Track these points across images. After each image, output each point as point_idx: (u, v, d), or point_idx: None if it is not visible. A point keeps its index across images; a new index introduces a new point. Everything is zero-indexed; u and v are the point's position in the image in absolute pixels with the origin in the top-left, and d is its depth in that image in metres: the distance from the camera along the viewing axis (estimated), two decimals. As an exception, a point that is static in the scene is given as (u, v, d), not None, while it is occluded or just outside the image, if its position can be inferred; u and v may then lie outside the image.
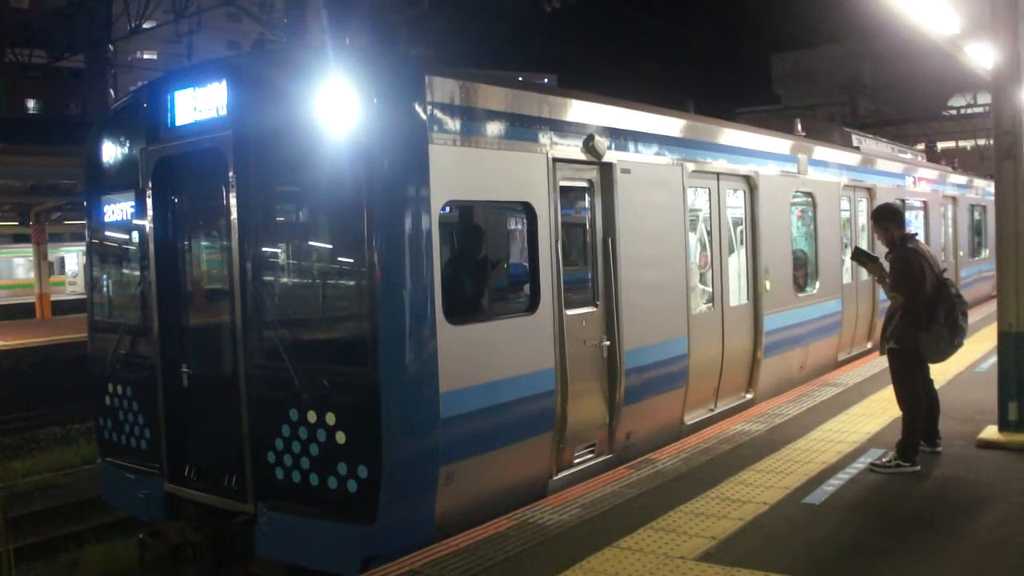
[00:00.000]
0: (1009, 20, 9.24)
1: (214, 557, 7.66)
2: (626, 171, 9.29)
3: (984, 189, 25.61)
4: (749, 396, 11.87)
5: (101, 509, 12.29)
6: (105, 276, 9.68)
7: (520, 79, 10.29)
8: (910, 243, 8.55)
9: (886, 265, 8.67)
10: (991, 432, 9.14)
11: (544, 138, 8.31)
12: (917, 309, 8.23)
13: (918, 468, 8.24)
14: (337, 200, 7.22)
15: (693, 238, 11.00)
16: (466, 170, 7.50)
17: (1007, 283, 9.18)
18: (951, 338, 8.28)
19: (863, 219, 15.95)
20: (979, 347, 14.35)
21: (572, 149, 8.65)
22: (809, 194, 13.97)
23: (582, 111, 8.89)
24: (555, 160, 8.39)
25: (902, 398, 8.50)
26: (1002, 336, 9.20)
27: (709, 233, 11.34)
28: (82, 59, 35.12)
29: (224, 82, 7.69)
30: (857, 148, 17.01)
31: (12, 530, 11.73)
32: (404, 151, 7.00)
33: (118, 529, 12.24)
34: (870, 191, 16.41)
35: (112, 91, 34.22)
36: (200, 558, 7.70)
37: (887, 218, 8.77)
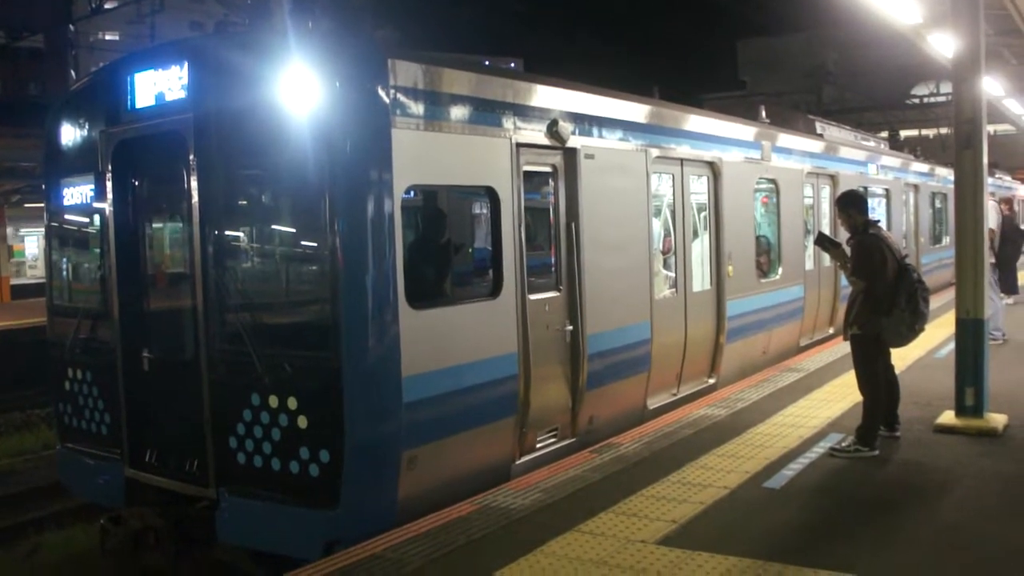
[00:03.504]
0: (969, 10, 9.34)
1: (176, 543, 7.62)
2: (590, 156, 9.29)
3: (945, 177, 25.84)
4: (712, 381, 11.95)
5: (61, 495, 12.15)
6: (65, 260, 9.56)
7: (486, 63, 10.25)
8: (872, 229, 8.64)
9: (849, 251, 8.75)
10: (948, 417, 9.26)
11: (508, 123, 8.29)
12: (878, 294, 8.32)
13: (877, 453, 8.34)
14: (299, 184, 7.16)
15: (657, 224, 11.05)
16: (429, 154, 7.47)
17: (965, 271, 9.30)
18: (912, 323, 8.38)
19: (826, 206, 16.08)
20: (939, 333, 14.51)
21: (536, 134, 8.64)
22: (773, 181, 14.05)
23: (546, 96, 8.88)
24: (519, 145, 8.38)
25: (863, 383, 8.60)
26: (959, 323, 9.32)
27: (673, 219, 11.39)
28: (41, 39, 34.45)
29: (185, 64, 7.60)
30: (821, 135, 17.12)
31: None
32: (366, 135, 6.96)
33: (78, 515, 12.12)
34: (833, 178, 16.53)
35: (73, 72, 33.57)
36: (162, 544, 7.65)
37: (850, 204, 8.86)
